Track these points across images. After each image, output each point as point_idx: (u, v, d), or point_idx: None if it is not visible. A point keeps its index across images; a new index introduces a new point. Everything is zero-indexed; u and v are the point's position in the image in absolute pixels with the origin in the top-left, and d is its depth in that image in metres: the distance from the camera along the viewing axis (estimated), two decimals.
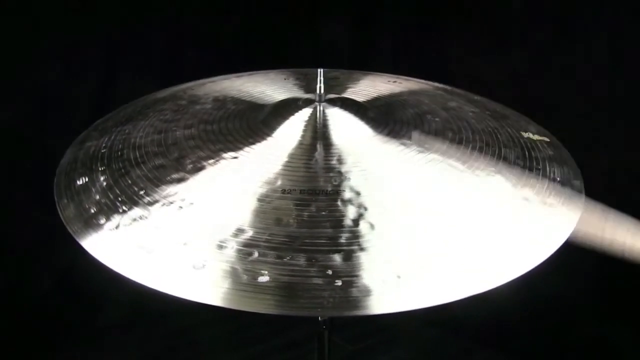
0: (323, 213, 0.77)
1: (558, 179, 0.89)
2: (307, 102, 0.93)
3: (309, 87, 1.03)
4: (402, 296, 0.71)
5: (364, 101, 1.00)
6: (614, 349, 1.74)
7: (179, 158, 0.87)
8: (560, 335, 1.78)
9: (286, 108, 0.93)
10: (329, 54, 1.92)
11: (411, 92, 1.08)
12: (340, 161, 0.84)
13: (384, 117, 0.94)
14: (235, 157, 0.85)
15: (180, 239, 0.76)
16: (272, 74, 1.13)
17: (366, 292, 0.70)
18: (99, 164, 0.89)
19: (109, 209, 0.81)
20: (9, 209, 1.69)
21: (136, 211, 0.80)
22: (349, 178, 0.81)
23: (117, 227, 0.78)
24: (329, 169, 0.83)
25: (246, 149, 0.87)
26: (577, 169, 0.94)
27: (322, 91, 0.93)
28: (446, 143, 0.87)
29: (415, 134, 0.88)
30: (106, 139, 0.95)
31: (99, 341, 1.82)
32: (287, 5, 1.92)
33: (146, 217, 0.79)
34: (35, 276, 1.78)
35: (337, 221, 0.76)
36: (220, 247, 0.74)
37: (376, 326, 1.88)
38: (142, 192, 0.82)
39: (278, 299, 0.70)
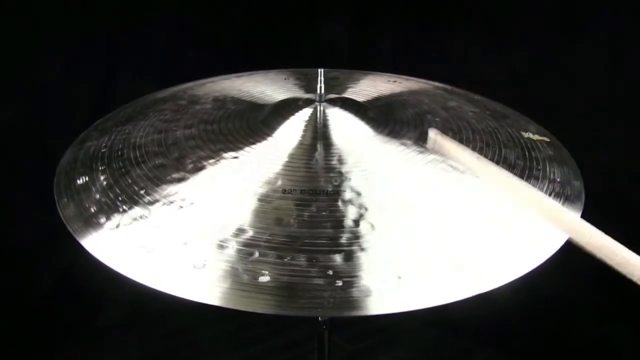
0: (323, 213, 0.77)
1: (558, 179, 0.89)
2: (308, 102, 0.93)
3: (309, 87, 1.03)
4: (403, 296, 0.71)
5: (364, 101, 1.00)
6: (614, 349, 1.74)
7: (179, 158, 0.87)
8: (560, 335, 1.78)
9: (286, 108, 0.93)
10: (329, 54, 1.92)
11: (411, 92, 1.08)
12: (340, 161, 0.84)
13: (384, 117, 0.94)
14: (235, 157, 0.85)
15: (180, 238, 0.76)
16: (272, 74, 1.13)
17: (366, 292, 0.70)
18: (99, 164, 0.89)
19: (109, 209, 0.81)
20: (9, 209, 1.69)
21: (136, 211, 0.80)
22: (350, 178, 0.81)
23: (117, 226, 0.78)
24: (330, 169, 0.83)
25: (246, 148, 0.87)
26: (577, 169, 0.94)
27: (323, 91, 0.93)
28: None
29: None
30: (106, 138, 0.95)
31: (99, 341, 1.82)
32: (287, 5, 1.92)
33: (146, 217, 0.79)
34: (35, 276, 1.78)
35: (338, 221, 0.76)
36: (221, 247, 0.74)
37: (376, 326, 1.88)
38: (142, 192, 0.82)
39: (278, 299, 0.70)
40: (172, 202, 0.80)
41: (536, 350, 1.80)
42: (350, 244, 0.74)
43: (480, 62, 1.77)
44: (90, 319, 1.84)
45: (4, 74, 1.64)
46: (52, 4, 1.65)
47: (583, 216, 0.84)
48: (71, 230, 0.80)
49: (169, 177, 0.83)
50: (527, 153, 0.92)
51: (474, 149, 0.90)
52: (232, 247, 0.74)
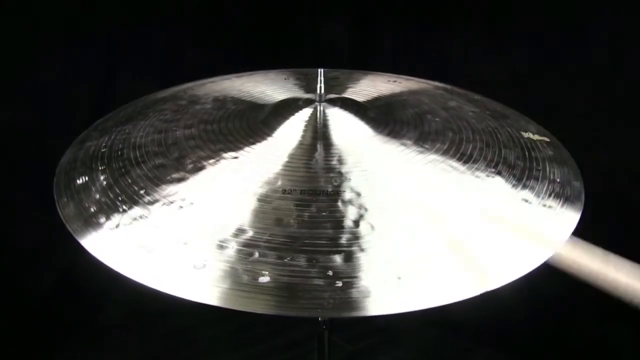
0: (323, 213, 0.77)
1: (558, 180, 0.89)
2: (307, 102, 0.93)
3: (309, 87, 1.03)
4: (402, 297, 0.70)
5: (364, 101, 1.00)
6: (614, 349, 1.74)
7: (179, 158, 0.87)
8: (560, 335, 1.78)
9: (286, 108, 0.93)
10: (329, 54, 1.92)
11: (411, 92, 1.08)
12: (340, 161, 0.84)
13: (384, 117, 0.94)
14: (235, 157, 0.85)
15: (180, 238, 0.76)
16: (272, 74, 1.13)
17: (366, 293, 0.70)
18: (99, 163, 0.89)
19: (109, 208, 0.81)
20: (9, 209, 1.69)
21: (136, 210, 0.80)
22: (350, 178, 0.81)
23: (117, 226, 0.78)
24: (330, 169, 0.83)
25: (246, 149, 0.87)
26: (577, 170, 0.93)
27: (322, 91, 0.93)
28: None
29: None
30: (106, 138, 0.95)
31: (99, 341, 1.82)
32: (287, 5, 1.92)
33: (146, 217, 0.79)
34: (35, 276, 1.78)
35: (338, 222, 0.76)
36: (221, 247, 0.74)
37: (376, 326, 1.88)
38: (142, 192, 0.82)
39: (278, 300, 0.70)
40: (172, 202, 0.80)
41: (536, 350, 1.80)
42: (350, 245, 0.74)
43: (480, 62, 1.77)
44: (90, 319, 1.84)
45: (4, 74, 1.64)
46: (52, 4, 1.65)
47: (583, 216, 0.84)
48: (71, 230, 0.80)
49: (168, 177, 0.83)
50: (527, 153, 0.92)
51: (474, 149, 0.90)
52: (232, 247, 0.74)
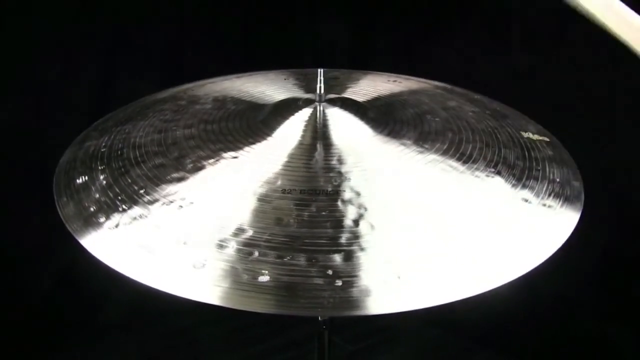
0: (323, 213, 0.77)
1: (557, 180, 0.89)
2: (307, 102, 0.93)
3: (309, 87, 1.03)
4: (402, 296, 0.71)
5: (364, 101, 1.00)
6: (614, 349, 1.74)
7: (179, 157, 0.87)
8: (560, 335, 1.78)
9: (286, 108, 0.93)
10: (329, 54, 1.92)
11: (411, 92, 1.08)
12: (340, 161, 0.84)
13: (384, 117, 0.94)
14: (235, 157, 0.86)
15: (180, 238, 0.76)
16: (272, 74, 1.13)
17: (366, 292, 0.70)
18: (98, 163, 0.89)
19: (109, 208, 0.81)
20: (9, 209, 1.69)
21: (136, 210, 0.80)
22: (349, 178, 0.81)
23: (117, 225, 0.78)
24: (329, 169, 0.83)
25: (246, 148, 0.87)
26: (576, 170, 0.94)
27: (322, 91, 0.93)
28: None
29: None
30: (106, 138, 0.95)
31: (99, 341, 1.82)
32: (287, 5, 1.92)
33: (146, 216, 0.79)
34: (35, 276, 1.78)
35: (338, 221, 0.76)
36: (221, 246, 0.74)
37: (376, 326, 1.88)
38: (142, 191, 0.82)
39: (278, 299, 0.70)
40: (171, 202, 0.80)
41: (536, 351, 1.80)
42: (350, 244, 0.74)
43: (480, 62, 1.77)
44: (90, 319, 1.84)
45: (4, 74, 1.63)
46: (52, 4, 1.65)
47: (583, 216, 0.84)
48: (70, 230, 0.80)
49: (168, 177, 0.84)
50: (526, 153, 0.92)
51: (473, 149, 0.90)
52: (232, 246, 0.74)
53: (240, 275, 0.71)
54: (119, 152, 0.90)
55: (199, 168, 0.84)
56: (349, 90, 1.05)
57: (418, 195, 0.82)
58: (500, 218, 0.81)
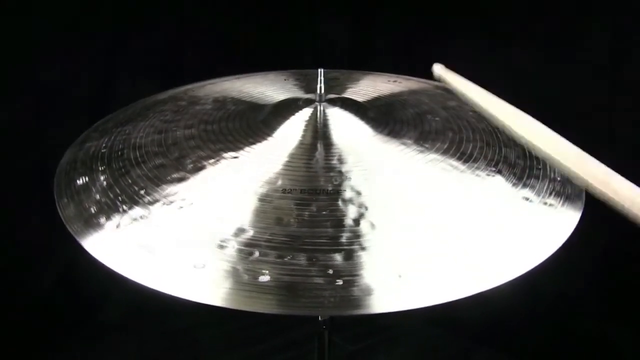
0: (324, 213, 0.77)
1: (558, 178, 0.89)
2: (308, 102, 0.93)
3: (309, 87, 1.03)
4: (403, 295, 0.71)
5: (364, 101, 1.00)
6: (614, 349, 1.74)
7: (179, 158, 0.87)
8: (560, 335, 1.78)
9: (286, 108, 0.93)
10: (329, 54, 1.92)
11: (411, 92, 1.08)
12: (340, 161, 0.84)
13: (384, 117, 0.94)
14: (235, 157, 0.86)
15: (180, 238, 0.76)
16: (271, 75, 1.13)
17: (367, 291, 0.70)
18: (99, 164, 0.89)
19: (109, 209, 0.81)
20: (9, 209, 1.69)
21: (136, 211, 0.80)
22: (350, 178, 0.81)
23: (117, 226, 0.78)
24: (330, 168, 0.83)
25: (246, 148, 0.87)
26: None
27: (322, 91, 0.93)
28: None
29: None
30: (106, 139, 0.95)
31: (99, 341, 1.81)
32: (287, 5, 1.92)
33: (146, 217, 0.79)
34: (35, 276, 1.78)
35: (338, 221, 0.76)
36: (221, 246, 0.74)
37: (376, 326, 1.88)
38: (142, 192, 0.82)
39: (279, 299, 0.70)
40: (172, 202, 0.80)
41: (536, 350, 1.80)
42: (351, 243, 0.74)
43: (480, 62, 1.77)
44: (90, 319, 1.84)
45: (4, 74, 1.63)
46: (52, 4, 1.64)
47: (583, 216, 0.84)
48: (71, 231, 0.80)
49: (169, 177, 0.84)
50: (527, 152, 0.92)
51: (474, 148, 0.90)
52: (233, 246, 0.74)
53: (241, 276, 0.71)
54: (120, 153, 0.90)
55: (199, 168, 0.84)
56: (349, 90, 1.05)
57: (418, 194, 0.82)
58: (501, 217, 0.81)
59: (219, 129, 0.92)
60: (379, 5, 1.91)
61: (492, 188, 0.84)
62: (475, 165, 0.87)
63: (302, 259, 0.72)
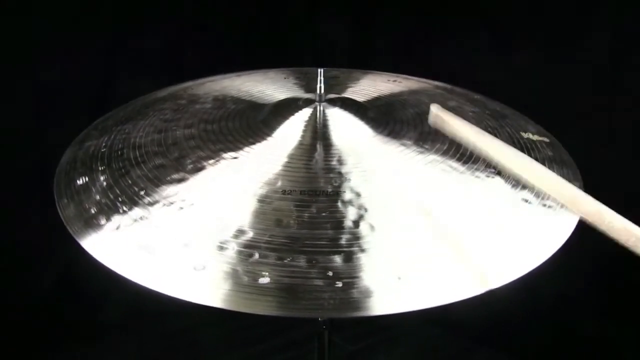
0: (323, 214, 0.77)
1: None
2: (307, 102, 0.93)
3: (309, 86, 1.03)
4: (403, 297, 0.71)
5: (364, 101, 1.00)
6: (614, 349, 1.74)
7: (179, 158, 0.87)
8: (561, 335, 1.78)
9: (286, 108, 0.93)
10: (329, 53, 1.92)
11: (411, 92, 1.08)
12: (340, 162, 0.84)
13: (384, 117, 0.94)
14: (235, 158, 0.85)
15: (180, 239, 0.76)
16: (271, 74, 1.13)
17: (367, 293, 0.70)
18: (98, 164, 0.89)
19: (109, 209, 0.81)
20: (9, 209, 1.69)
21: (136, 211, 0.80)
22: (349, 179, 0.81)
23: (117, 227, 0.78)
24: (329, 169, 0.83)
25: (246, 149, 0.87)
26: (576, 170, 0.93)
27: (322, 91, 0.93)
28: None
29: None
30: (106, 138, 0.95)
31: (98, 341, 1.81)
32: (287, 5, 1.92)
33: (147, 218, 0.79)
34: (35, 276, 1.78)
35: (338, 222, 0.76)
36: (221, 248, 0.74)
37: (376, 326, 1.88)
38: (142, 193, 0.82)
39: (279, 301, 0.70)
40: (172, 203, 0.80)
41: (536, 350, 1.80)
42: (350, 245, 0.74)
43: (480, 62, 1.77)
44: (90, 319, 1.84)
45: (4, 74, 1.63)
46: (52, 4, 1.64)
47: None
48: (71, 232, 0.80)
49: (168, 178, 0.83)
50: (526, 153, 0.92)
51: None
52: (232, 248, 0.74)
53: (241, 277, 0.71)
54: (119, 153, 0.90)
55: (199, 169, 0.84)
56: (349, 90, 1.05)
57: (418, 195, 0.82)
58: (500, 218, 0.81)
59: (218, 128, 0.92)
60: (379, 5, 1.91)
61: (492, 189, 0.84)
62: (475, 166, 0.86)
63: (302, 261, 0.72)
